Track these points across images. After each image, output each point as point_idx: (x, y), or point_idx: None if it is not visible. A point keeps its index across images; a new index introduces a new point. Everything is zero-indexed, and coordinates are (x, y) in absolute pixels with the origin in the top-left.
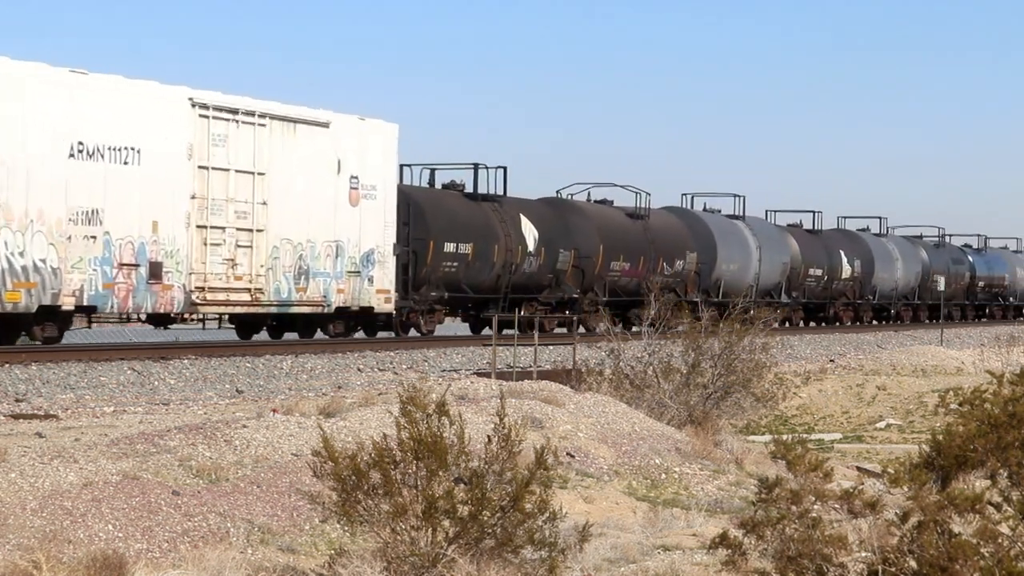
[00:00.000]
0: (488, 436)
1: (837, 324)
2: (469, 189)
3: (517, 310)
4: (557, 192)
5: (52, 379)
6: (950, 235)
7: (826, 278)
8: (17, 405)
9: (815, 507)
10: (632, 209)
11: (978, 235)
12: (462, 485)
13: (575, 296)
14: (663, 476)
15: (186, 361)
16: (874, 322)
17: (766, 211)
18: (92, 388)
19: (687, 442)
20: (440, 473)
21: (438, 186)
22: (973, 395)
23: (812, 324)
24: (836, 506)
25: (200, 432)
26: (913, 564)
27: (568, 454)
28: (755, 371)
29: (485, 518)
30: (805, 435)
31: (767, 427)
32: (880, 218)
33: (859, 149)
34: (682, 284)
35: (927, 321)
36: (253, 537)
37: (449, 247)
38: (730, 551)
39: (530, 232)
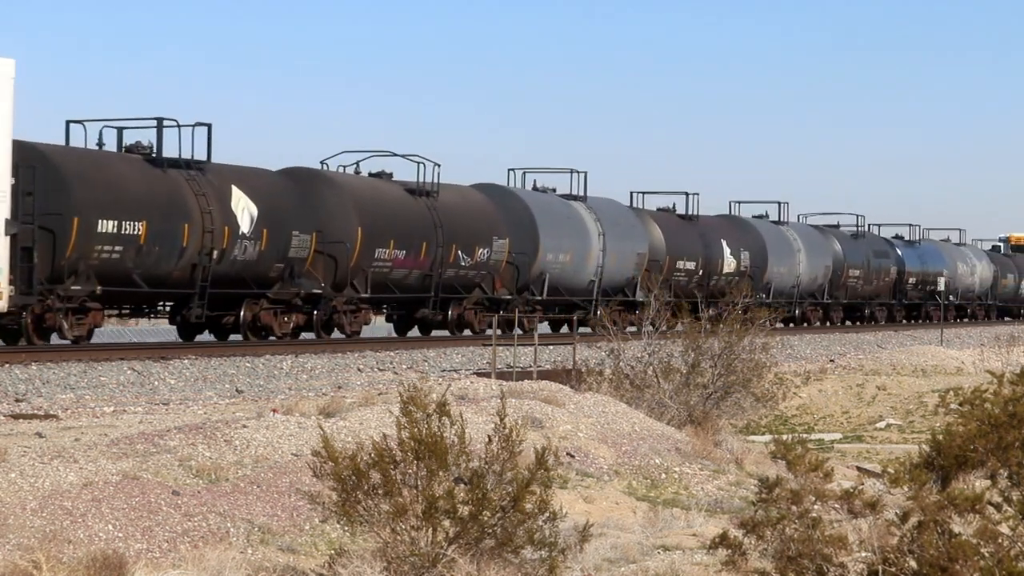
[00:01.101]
0: (488, 436)
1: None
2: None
3: (239, 310)
4: (323, 163)
5: (52, 379)
6: (878, 225)
7: (700, 272)
8: (17, 405)
9: (815, 507)
10: (414, 184)
11: (910, 225)
12: (462, 485)
13: (318, 292)
14: (663, 476)
15: (186, 361)
16: (779, 324)
17: (631, 192)
18: (92, 388)
19: (687, 442)
20: (440, 473)
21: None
22: (973, 395)
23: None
24: (836, 506)
25: (200, 432)
26: (913, 564)
27: (568, 454)
28: (755, 371)
29: (485, 518)
30: (805, 435)
31: (767, 427)
32: (780, 203)
33: (829, 146)
34: (488, 278)
35: (844, 323)
36: (253, 537)
37: (107, 226)
38: (730, 551)
39: (245, 208)
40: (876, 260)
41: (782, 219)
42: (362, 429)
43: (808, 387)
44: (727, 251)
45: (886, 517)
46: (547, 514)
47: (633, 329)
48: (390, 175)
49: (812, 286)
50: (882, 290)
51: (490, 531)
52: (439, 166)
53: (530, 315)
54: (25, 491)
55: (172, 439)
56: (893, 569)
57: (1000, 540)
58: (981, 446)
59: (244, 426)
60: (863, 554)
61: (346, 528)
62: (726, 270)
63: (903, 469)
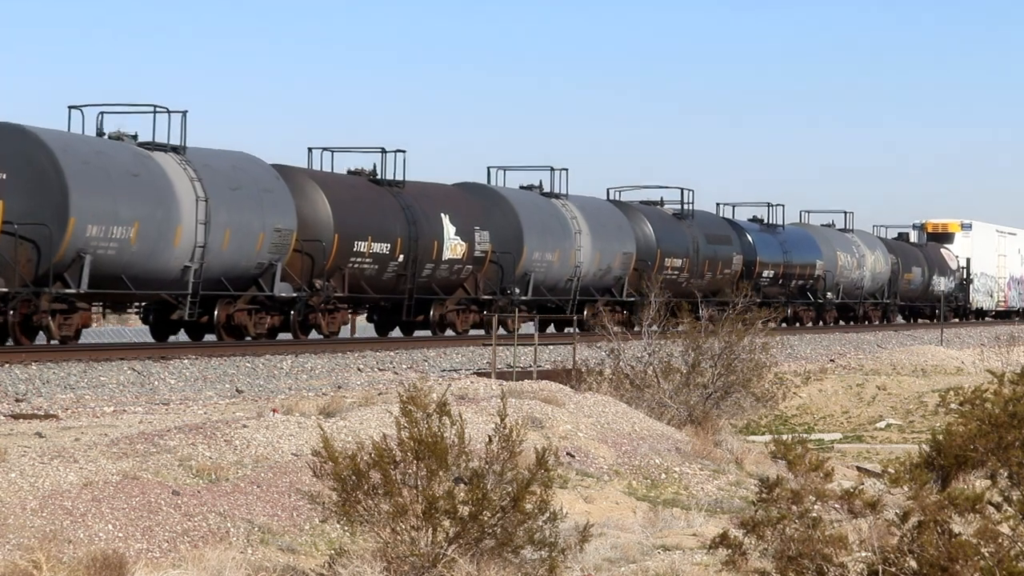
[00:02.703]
0: (489, 436)
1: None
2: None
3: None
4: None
5: (52, 379)
6: (733, 205)
7: (402, 259)
8: (17, 405)
9: (815, 507)
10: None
11: (769, 204)
12: (462, 485)
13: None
14: (663, 476)
15: (186, 361)
16: (552, 328)
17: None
18: (92, 388)
19: (687, 442)
20: (440, 473)
21: None
22: (973, 395)
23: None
24: (836, 506)
25: (200, 432)
26: (913, 564)
27: (568, 454)
28: (755, 371)
29: (485, 518)
30: (805, 435)
31: (767, 427)
32: (554, 169)
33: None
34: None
35: (653, 329)
36: (253, 537)
37: None
38: (730, 551)
39: None
40: (710, 247)
41: (557, 190)
42: (362, 429)
43: (808, 387)
44: (448, 230)
45: (886, 517)
46: (547, 514)
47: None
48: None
49: (605, 279)
50: (722, 284)
51: (490, 531)
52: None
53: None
54: (25, 491)
55: (172, 439)
56: (893, 569)
57: (1000, 540)
58: (981, 446)
59: (244, 426)
60: (863, 554)
61: (346, 528)
62: (447, 255)
63: (903, 469)
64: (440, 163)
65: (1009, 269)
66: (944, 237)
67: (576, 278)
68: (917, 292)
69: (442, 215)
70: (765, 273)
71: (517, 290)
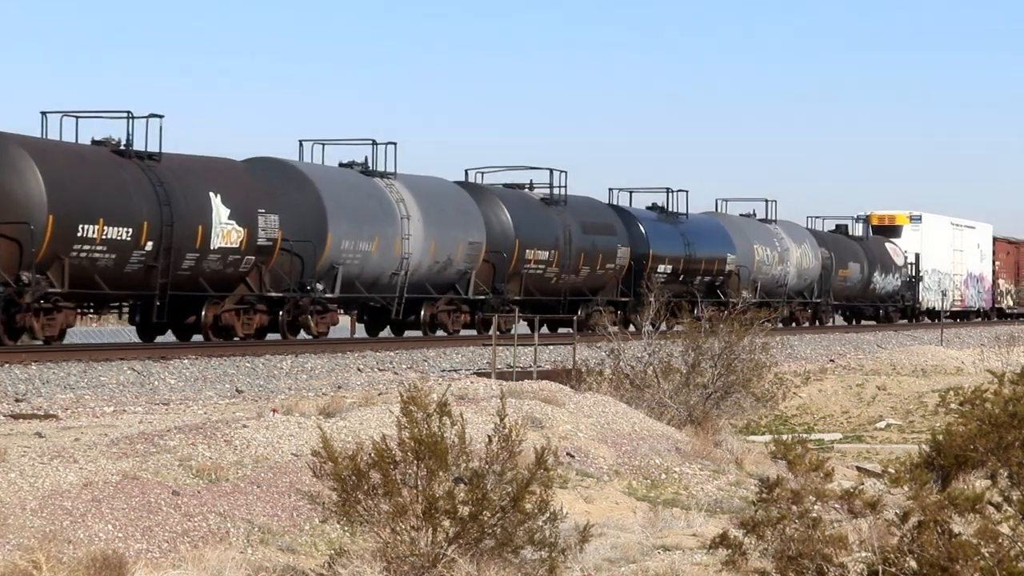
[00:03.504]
0: (488, 436)
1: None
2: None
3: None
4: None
5: (52, 379)
6: (630, 191)
7: (151, 247)
8: (17, 405)
9: (815, 507)
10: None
11: (668, 190)
12: (462, 485)
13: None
14: (663, 476)
15: (186, 361)
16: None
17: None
18: (92, 388)
19: (687, 442)
20: (440, 473)
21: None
22: (974, 395)
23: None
24: (836, 506)
25: (200, 432)
26: (913, 564)
27: (568, 454)
28: (755, 371)
29: (485, 518)
30: (805, 435)
31: (767, 427)
32: (376, 143)
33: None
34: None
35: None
36: (253, 537)
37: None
38: (730, 551)
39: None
40: (587, 237)
41: (381, 169)
42: (362, 429)
43: (808, 387)
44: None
45: (886, 517)
46: (547, 514)
47: (472, 332)
48: None
49: (447, 274)
50: (605, 281)
51: (490, 531)
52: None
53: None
54: (25, 491)
55: (172, 439)
56: (893, 569)
57: (1000, 540)
58: (981, 446)
59: (244, 426)
60: (863, 554)
61: (346, 528)
62: (217, 242)
63: (903, 469)
64: (433, 159)
65: (967, 265)
66: (891, 230)
67: (404, 272)
68: (855, 291)
69: (211, 194)
70: (661, 268)
71: (320, 286)
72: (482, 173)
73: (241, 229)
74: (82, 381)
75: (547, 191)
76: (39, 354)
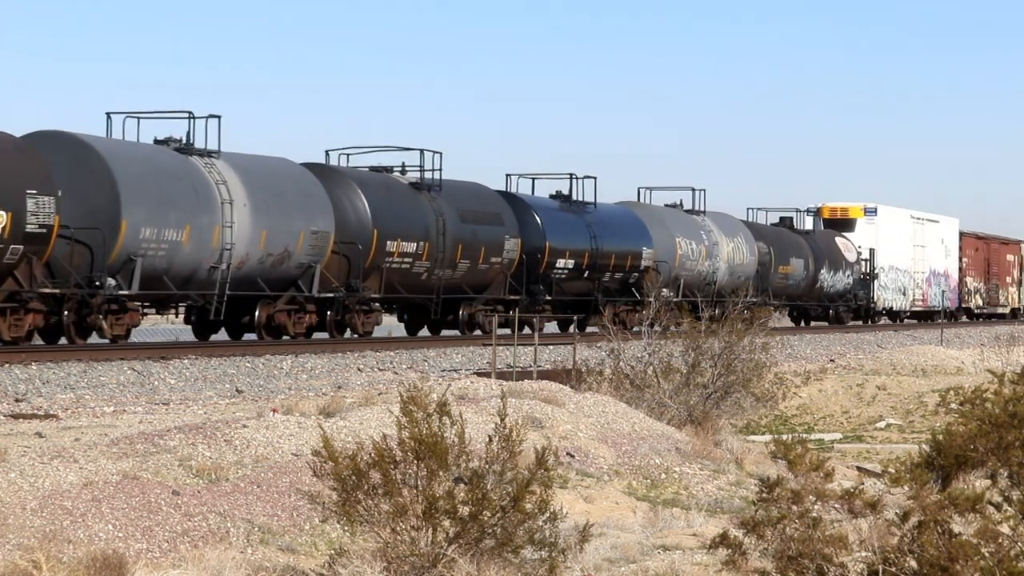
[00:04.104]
0: (489, 436)
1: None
2: None
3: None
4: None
5: (52, 379)
6: (532, 177)
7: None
8: (17, 405)
9: (815, 507)
10: None
11: (572, 176)
12: (462, 485)
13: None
14: (663, 476)
15: (186, 361)
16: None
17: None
18: (92, 388)
19: (687, 442)
20: (440, 473)
21: None
22: (974, 395)
23: None
24: (836, 506)
25: (200, 432)
26: (913, 564)
27: (568, 454)
28: (755, 371)
29: (485, 518)
30: (805, 435)
31: (767, 427)
32: (194, 117)
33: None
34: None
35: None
36: (253, 537)
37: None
38: (730, 551)
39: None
40: (466, 227)
41: (206, 148)
42: (362, 429)
43: (808, 387)
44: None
45: (886, 517)
46: (547, 514)
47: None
48: None
49: (275, 268)
50: (490, 277)
51: (490, 531)
52: None
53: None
54: (25, 491)
55: (172, 439)
56: (893, 569)
57: (1000, 540)
58: (981, 446)
59: (244, 426)
60: (863, 554)
61: (346, 528)
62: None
63: (903, 469)
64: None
65: (930, 262)
66: (843, 224)
67: (225, 265)
68: (799, 289)
69: None
70: (560, 263)
71: (112, 281)
72: (347, 155)
73: (3, 213)
74: (82, 381)
75: (424, 175)
76: (39, 354)
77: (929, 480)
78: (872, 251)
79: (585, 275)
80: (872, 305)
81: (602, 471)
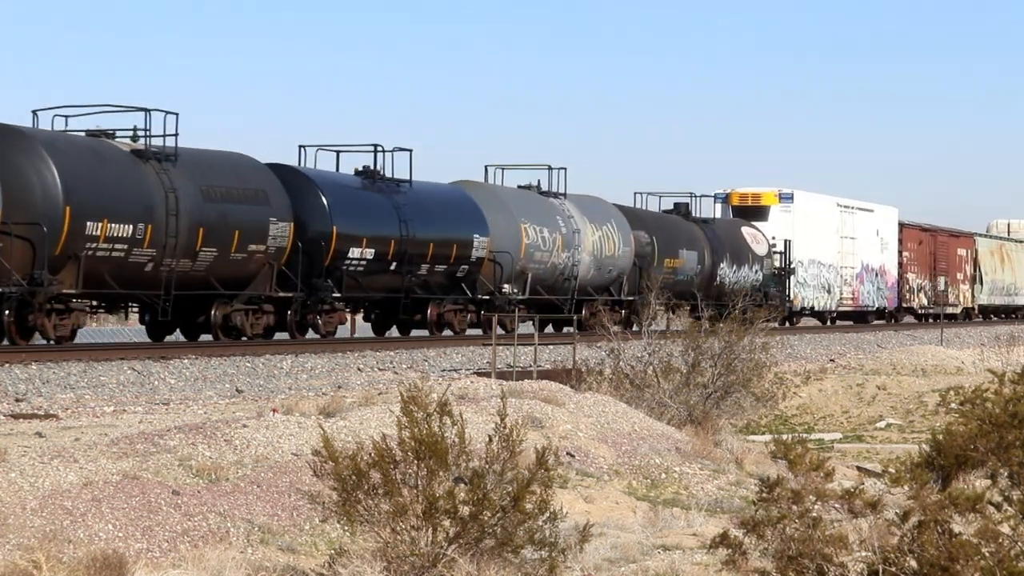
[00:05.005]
0: (488, 436)
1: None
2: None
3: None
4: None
5: (52, 379)
6: (337, 151)
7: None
8: (17, 405)
9: (815, 507)
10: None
11: (377, 147)
12: (462, 485)
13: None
14: (663, 476)
15: (186, 361)
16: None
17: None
18: (92, 388)
19: (687, 442)
20: (440, 473)
21: None
22: (974, 394)
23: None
24: (836, 506)
25: (200, 432)
26: (913, 564)
27: (568, 454)
28: (755, 371)
29: (485, 518)
30: (805, 435)
31: (767, 427)
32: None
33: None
34: None
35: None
36: (253, 537)
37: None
38: (730, 551)
39: None
40: (211, 207)
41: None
42: (362, 429)
43: (808, 387)
44: None
45: (886, 517)
46: (547, 514)
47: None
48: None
49: None
50: (250, 270)
51: (490, 531)
52: None
53: None
54: (25, 491)
55: (172, 439)
56: (893, 569)
57: (1000, 540)
58: (982, 446)
59: (244, 426)
60: (863, 554)
61: (346, 528)
62: None
63: (903, 469)
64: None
65: (862, 256)
66: (755, 212)
67: None
68: (692, 286)
69: None
70: (355, 252)
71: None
72: (65, 118)
73: None
74: (82, 381)
75: (155, 142)
76: (39, 354)
77: (929, 480)
78: (788, 243)
79: (392, 267)
80: (789, 304)
81: (602, 471)
